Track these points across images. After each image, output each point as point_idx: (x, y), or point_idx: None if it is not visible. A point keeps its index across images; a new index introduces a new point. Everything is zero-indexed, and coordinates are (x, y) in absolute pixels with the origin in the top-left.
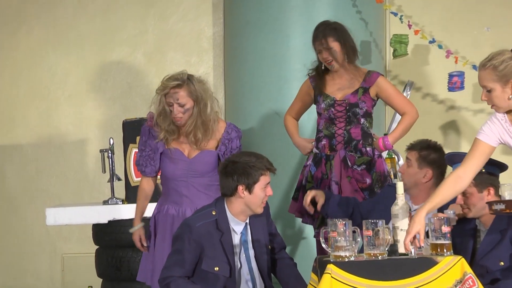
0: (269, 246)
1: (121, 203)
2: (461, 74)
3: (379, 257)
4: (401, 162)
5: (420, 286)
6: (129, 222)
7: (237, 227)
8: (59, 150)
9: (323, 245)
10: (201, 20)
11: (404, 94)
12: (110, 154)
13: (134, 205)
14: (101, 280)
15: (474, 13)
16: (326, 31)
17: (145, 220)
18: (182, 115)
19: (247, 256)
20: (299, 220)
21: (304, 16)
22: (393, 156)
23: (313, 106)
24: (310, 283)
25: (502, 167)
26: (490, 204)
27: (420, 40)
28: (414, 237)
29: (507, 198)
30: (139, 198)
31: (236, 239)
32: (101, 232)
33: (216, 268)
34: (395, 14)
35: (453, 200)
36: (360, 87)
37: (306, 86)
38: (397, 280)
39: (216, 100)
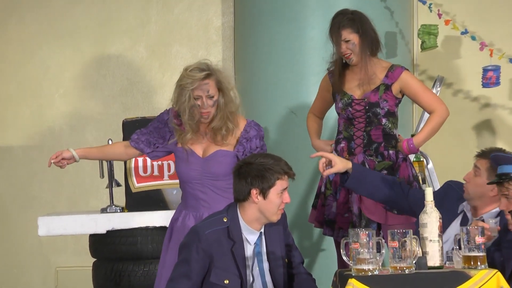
0: (286, 260)
1: (120, 211)
2: (496, 69)
3: (406, 271)
4: (430, 165)
5: None
6: (130, 232)
7: (251, 236)
8: (52, 152)
9: (344, 258)
10: (209, 9)
11: (434, 90)
12: None
13: (135, 214)
14: None
15: (511, 1)
16: (343, 22)
17: (156, 229)
18: (211, 109)
19: (261, 269)
20: (318, 230)
21: (323, 4)
22: (422, 159)
23: None
24: None
25: None
26: None
27: (451, 31)
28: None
29: None
30: (113, 144)
31: (249, 250)
32: (99, 243)
33: (226, 281)
34: (424, 2)
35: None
36: (382, 83)
37: (325, 82)
38: None
39: (235, 88)
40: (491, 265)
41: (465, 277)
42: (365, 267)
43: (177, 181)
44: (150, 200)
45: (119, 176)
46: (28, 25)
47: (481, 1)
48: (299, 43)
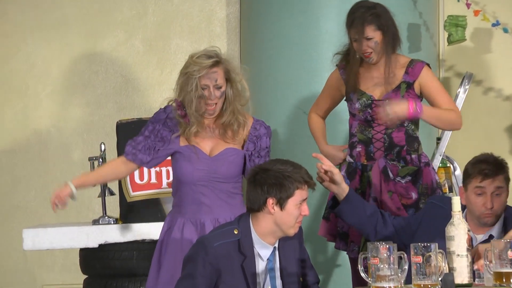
0: (301, 278)
1: (114, 222)
2: None
3: None
4: (458, 172)
5: None
6: (124, 246)
7: (264, 251)
8: (38, 157)
9: (362, 275)
10: None
11: (462, 88)
12: (101, 163)
13: (130, 226)
14: None
15: None
16: (366, 17)
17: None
18: (218, 100)
19: (273, 286)
20: (333, 244)
21: None
22: (448, 165)
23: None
24: None
25: None
26: None
27: (481, 23)
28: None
29: None
30: (109, 163)
31: (261, 266)
32: (90, 258)
33: None
34: None
35: None
36: (402, 81)
37: (336, 79)
38: None
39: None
40: None
41: None
42: (386, 284)
43: None
44: (147, 210)
45: (112, 184)
46: (10, 16)
47: None
48: (313, 36)
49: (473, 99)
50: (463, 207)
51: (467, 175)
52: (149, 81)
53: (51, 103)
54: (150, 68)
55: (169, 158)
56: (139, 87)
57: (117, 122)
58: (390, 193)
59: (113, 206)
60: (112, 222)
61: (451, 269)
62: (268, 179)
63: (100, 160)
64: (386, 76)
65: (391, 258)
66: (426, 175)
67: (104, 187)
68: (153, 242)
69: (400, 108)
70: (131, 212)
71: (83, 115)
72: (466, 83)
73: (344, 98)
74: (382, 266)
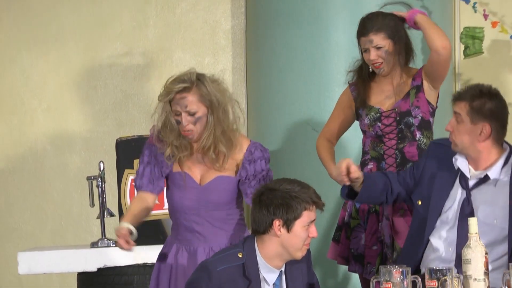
0: None
1: (114, 245)
2: None
3: None
4: None
5: None
6: (125, 270)
7: (270, 275)
8: (34, 176)
9: None
10: (216, 9)
11: None
12: (100, 183)
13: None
14: None
15: None
16: (375, 25)
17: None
18: (193, 127)
19: None
20: (344, 267)
21: (350, 3)
22: None
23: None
24: None
25: None
26: None
27: (499, 35)
28: None
29: None
30: (133, 201)
31: None
32: (89, 283)
33: None
34: (467, 1)
35: None
36: (411, 88)
37: (346, 97)
38: None
39: (237, 103)
40: None
41: None
42: None
43: None
44: (148, 233)
45: (112, 204)
46: (5, 27)
47: None
48: (322, 48)
49: None
50: None
51: None
52: (150, 96)
53: (47, 119)
54: (151, 82)
55: None
56: (139, 103)
57: (116, 140)
58: (402, 211)
59: (113, 228)
60: (111, 245)
61: None
62: (274, 200)
63: (99, 179)
64: (393, 88)
65: (405, 283)
66: None
67: (104, 208)
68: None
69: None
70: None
71: (81, 132)
72: None
73: (355, 116)
74: None
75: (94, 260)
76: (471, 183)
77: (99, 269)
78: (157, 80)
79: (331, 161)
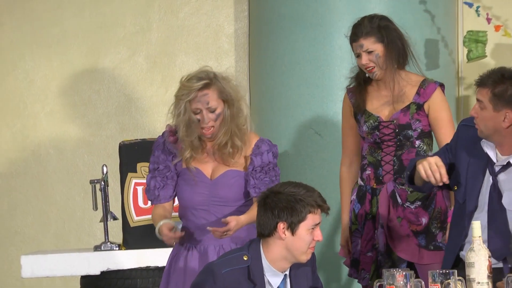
0: None
1: (117, 248)
2: None
3: None
4: None
5: None
6: (128, 273)
7: (274, 279)
8: (37, 180)
9: None
10: (219, 13)
11: None
12: (103, 186)
13: (133, 252)
14: None
15: None
16: (364, 29)
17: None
18: (214, 123)
19: None
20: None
21: (354, 7)
22: None
23: None
24: None
25: None
26: None
27: (502, 39)
28: None
29: None
30: (155, 211)
31: None
32: (92, 286)
33: None
34: (470, 5)
35: None
36: (412, 102)
37: (346, 105)
38: None
39: (244, 100)
40: None
41: None
42: None
43: None
44: (152, 236)
45: (115, 208)
46: (7, 31)
47: None
48: (325, 52)
49: None
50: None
51: None
52: (153, 100)
53: (50, 123)
54: (154, 86)
55: None
56: (142, 107)
57: (119, 143)
58: (399, 219)
59: (116, 231)
60: (114, 248)
61: None
62: (279, 203)
63: (102, 183)
64: (395, 93)
65: (408, 286)
66: (440, 199)
67: (107, 211)
68: (157, 269)
69: None
70: (135, 237)
71: (84, 136)
72: None
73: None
74: None
75: (97, 263)
76: (497, 168)
77: (102, 273)
78: (160, 84)
79: (346, 205)
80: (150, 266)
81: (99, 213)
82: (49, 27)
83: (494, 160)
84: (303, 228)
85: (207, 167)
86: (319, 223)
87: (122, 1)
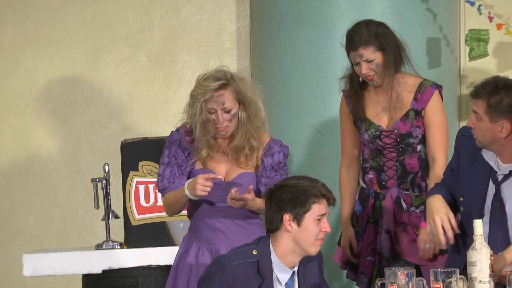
0: None
1: (119, 247)
2: None
3: None
4: None
5: None
6: (129, 272)
7: (282, 275)
8: (39, 179)
9: None
10: (221, 11)
11: None
12: (104, 185)
13: (135, 251)
14: None
15: None
16: (363, 38)
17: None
18: (228, 124)
19: None
20: None
21: (356, 5)
22: None
23: None
24: None
25: None
26: None
27: (504, 37)
28: None
29: None
30: (169, 194)
31: None
32: (93, 284)
33: None
34: (472, 4)
35: None
36: (411, 109)
37: (345, 109)
38: None
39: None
40: None
41: None
42: None
43: (185, 212)
44: (153, 235)
45: (117, 206)
46: (10, 30)
47: None
48: (327, 51)
49: None
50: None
51: None
52: (155, 98)
53: (52, 121)
54: (156, 85)
55: None
56: (144, 105)
57: (121, 142)
58: (404, 225)
59: (118, 230)
60: (116, 247)
61: None
62: (283, 195)
63: (104, 181)
64: (393, 100)
65: (410, 285)
66: None
67: (108, 210)
68: (159, 268)
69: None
70: (136, 236)
71: (86, 135)
72: None
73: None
74: None
75: (99, 262)
76: (500, 177)
77: (104, 271)
78: (162, 82)
79: (347, 202)
80: (152, 265)
81: (101, 211)
82: (51, 26)
83: (496, 169)
84: (309, 218)
85: (221, 169)
86: (325, 214)
87: None
